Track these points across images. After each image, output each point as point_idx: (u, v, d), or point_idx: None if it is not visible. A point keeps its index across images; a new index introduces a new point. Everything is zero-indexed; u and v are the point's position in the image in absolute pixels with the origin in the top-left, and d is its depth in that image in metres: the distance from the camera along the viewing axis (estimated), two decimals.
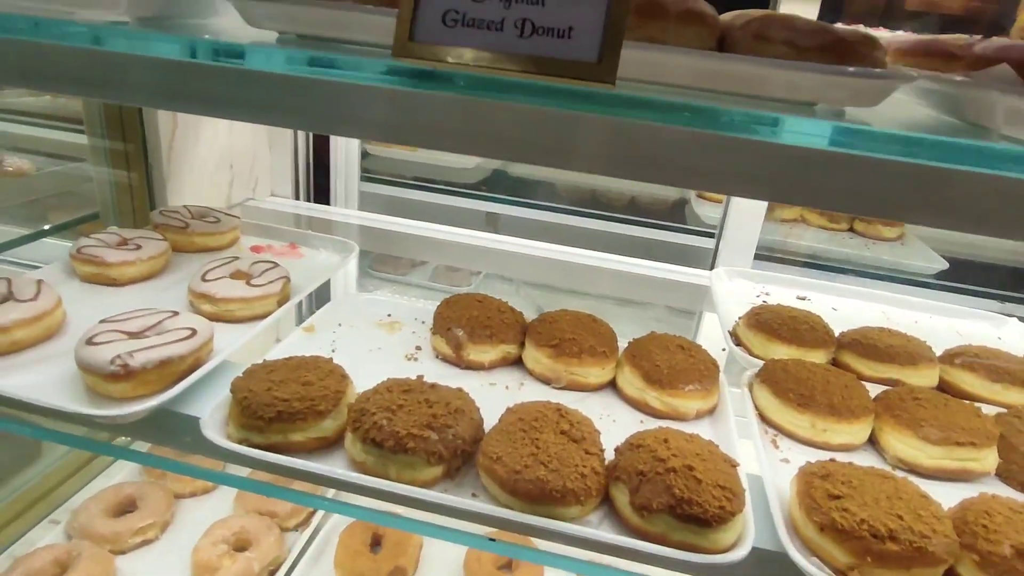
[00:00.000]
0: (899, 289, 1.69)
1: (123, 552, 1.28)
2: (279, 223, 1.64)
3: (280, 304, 1.16)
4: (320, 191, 2.06)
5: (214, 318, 1.09)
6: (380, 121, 0.68)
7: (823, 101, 0.61)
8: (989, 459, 0.91)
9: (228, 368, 0.97)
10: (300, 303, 1.48)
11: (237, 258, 1.25)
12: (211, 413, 0.85)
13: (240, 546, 1.29)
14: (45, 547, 1.24)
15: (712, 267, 1.68)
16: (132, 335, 0.95)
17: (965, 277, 1.87)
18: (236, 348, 1.01)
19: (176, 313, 1.01)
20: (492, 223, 2.16)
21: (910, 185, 0.50)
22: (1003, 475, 0.92)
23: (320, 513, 1.44)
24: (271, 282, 1.16)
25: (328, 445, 0.84)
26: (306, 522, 1.41)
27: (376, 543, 1.34)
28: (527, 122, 0.61)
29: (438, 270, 2.48)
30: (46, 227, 1.61)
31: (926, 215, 0.52)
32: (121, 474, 1.49)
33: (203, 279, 1.14)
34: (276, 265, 1.23)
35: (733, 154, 0.55)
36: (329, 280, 1.51)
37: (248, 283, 1.15)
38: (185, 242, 1.36)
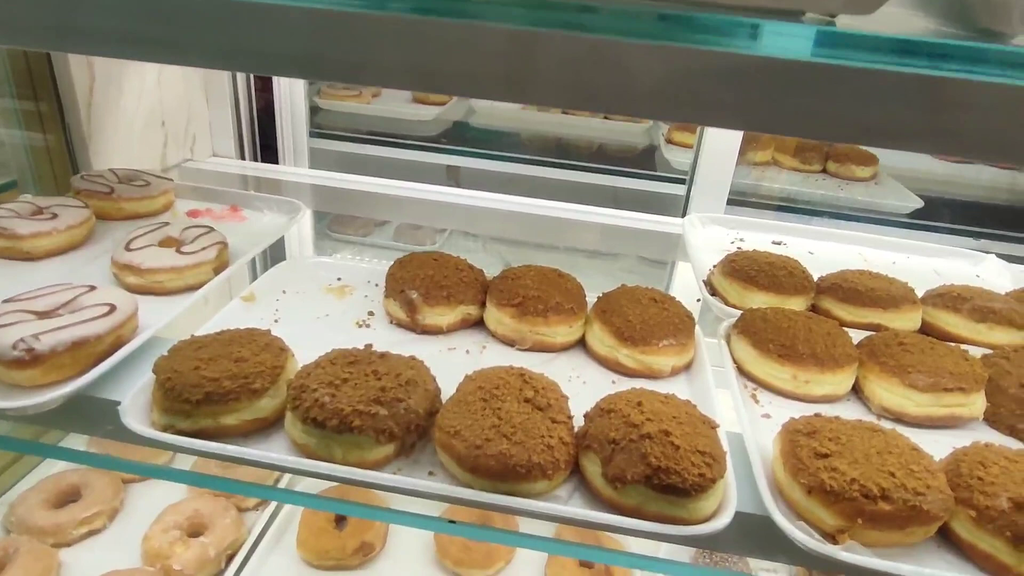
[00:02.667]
0: (874, 230, 1.65)
1: (67, 545, 1.19)
2: (223, 185, 1.51)
3: (217, 272, 1.06)
4: (267, 150, 1.92)
5: (142, 291, 0.99)
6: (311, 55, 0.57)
7: (812, 9, 0.52)
8: (977, 404, 0.86)
9: (158, 346, 0.87)
10: (255, 271, 1.38)
11: (166, 224, 1.13)
12: (132, 398, 0.75)
13: (195, 531, 1.21)
14: None
15: (684, 214, 1.61)
16: (41, 315, 0.84)
17: (940, 215, 1.83)
18: (164, 324, 0.91)
19: (93, 288, 0.91)
20: (453, 177, 2.05)
21: (927, 102, 0.42)
22: (991, 420, 0.88)
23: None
24: (204, 248, 1.05)
25: (267, 427, 0.75)
26: (266, 501, 1.34)
27: (341, 519, 1.27)
28: (470, 44, 0.52)
29: (400, 229, 2.36)
30: None
31: (945, 139, 0.44)
32: (64, 461, 1.39)
33: (127, 248, 1.03)
34: (211, 230, 1.12)
35: (718, 73, 0.46)
36: (283, 245, 1.41)
37: (178, 251, 1.04)
38: (111, 209, 1.23)
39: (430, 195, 1.79)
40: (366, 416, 0.68)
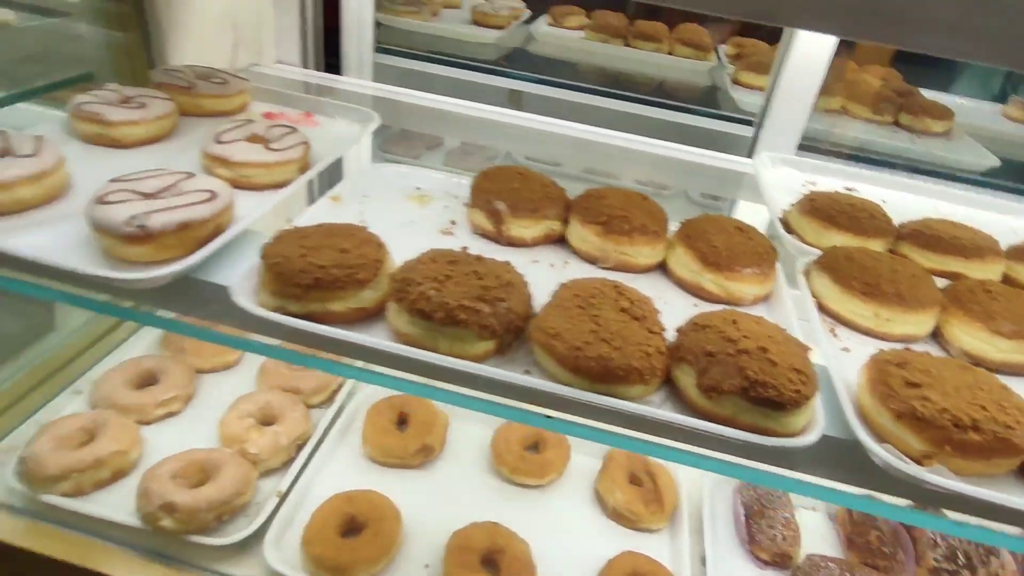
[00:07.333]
0: (948, 185, 1.61)
1: (147, 423, 1.27)
2: (289, 91, 1.51)
3: (301, 172, 1.07)
4: (330, 61, 1.90)
5: (231, 184, 1.01)
6: None
7: None
8: None
9: (250, 238, 0.90)
10: (312, 179, 1.39)
11: (251, 121, 1.14)
12: (240, 281, 0.78)
13: (266, 420, 1.28)
14: (71, 415, 1.23)
15: (750, 155, 1.58)
16: (147, 196, 0.87)
17: (1013, 176, 1.77)
18: (259, 216, 0.93)
19: (192, 175, 0.93)
20: (515, 102, 2.01)
21: None
22: None
23: (344, 392, 1.42)
24: (291, 147, 1.07)
25: (367, 317, 0.78)
26: (330, 400, 1.40)
27: (402, 422, 1.33)
28: None
29: (452, 154, 2.34)
30: (40, 85, 1.46)
31: None
32: (138, 349, 1.45)
33: (218, 141, 1.04)
34: (294, 130, 1.13)
35: None
36: (340, 158, 1.41)
37: (266, 147, 1.05)
38: (190, 104, 1.24)
39: (492, 115, 1.77)
40: (471, 311, 0.70)
